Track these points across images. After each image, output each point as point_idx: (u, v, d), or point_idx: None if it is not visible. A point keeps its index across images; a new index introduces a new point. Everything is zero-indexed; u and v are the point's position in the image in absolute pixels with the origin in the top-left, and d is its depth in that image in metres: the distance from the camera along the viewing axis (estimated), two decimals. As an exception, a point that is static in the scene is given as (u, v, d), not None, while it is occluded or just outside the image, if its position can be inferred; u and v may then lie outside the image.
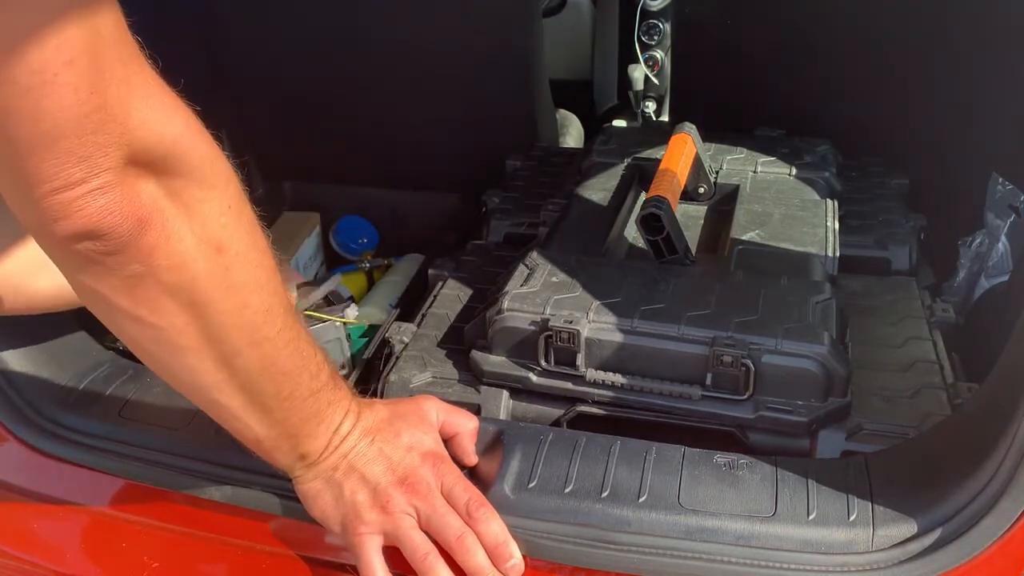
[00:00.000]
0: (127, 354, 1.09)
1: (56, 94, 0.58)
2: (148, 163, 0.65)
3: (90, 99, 0.60)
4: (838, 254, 1.21)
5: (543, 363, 1.04)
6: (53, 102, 0.59)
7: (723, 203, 1.37)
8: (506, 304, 1.06)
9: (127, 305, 0.70)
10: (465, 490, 0.85)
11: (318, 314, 1.45)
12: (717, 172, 1.41)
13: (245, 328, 0.74)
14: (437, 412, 0.92)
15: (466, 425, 0.93)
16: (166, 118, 0.66)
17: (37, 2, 0.56)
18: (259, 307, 0.75)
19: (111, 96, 0.61)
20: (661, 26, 2.44)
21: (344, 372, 1.39)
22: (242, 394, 0.77)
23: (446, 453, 0.90)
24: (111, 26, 0.61)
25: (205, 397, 0.78)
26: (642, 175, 1.44)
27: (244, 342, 0.75)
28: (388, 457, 0.85)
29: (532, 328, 1.04)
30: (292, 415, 0.81)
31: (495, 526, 0.84)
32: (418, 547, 0.82)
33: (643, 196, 1.23)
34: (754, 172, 1.41)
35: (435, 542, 0.83)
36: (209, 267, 0.70)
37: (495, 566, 0.82)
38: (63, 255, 0.67)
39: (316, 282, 1.67)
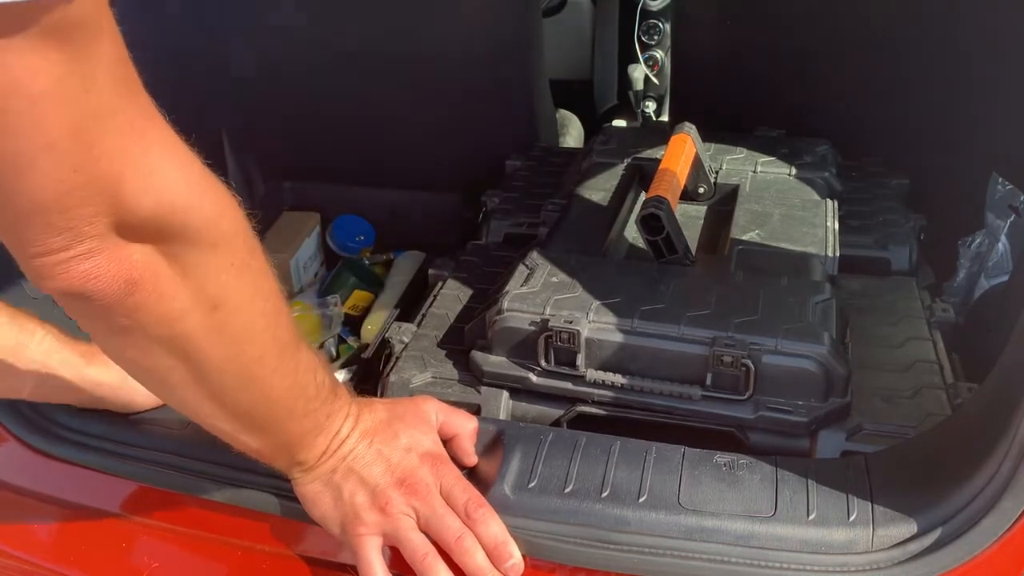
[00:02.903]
0: None
1: (33, 177, 0.55)
2: (141, 229, 0.62)
3: (72, 178, 0.56)
4: (838, 254, 1.21)
5: (543, 363, 1.04)
6: (30, 183, 0.55)
7: (723, 203, 1.37)
8: (506, 304, 1.06)
9: (118, 346, 0.70)
10: (464, 491, 0.85)
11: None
12: (717, 172, 1.41)
13: (237, 374, 0.74)
14: (436, 413, 0.91)
15: (465, 425, 0.93)
16: (165, 184, 0.62)
17: (14, 84, 0.51)
18: (253, 354, 0.74)
19: (100, 170, 0.57)
20: (661, 26, 2.45)
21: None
22: (236, 421, 0.78)
23: (445, 454, 0.90)
24: (107, 94, 0.56)
25: (200, 421, 0.79)
26: (642, 175, 1.44)
27: (235, 385, 0.74)
28: (387, 458, 0.85)
29: (532, 328, 1.04)
30: (289, 432, 0.81)
31: (494, 526, 0.83)
32: (417, 548, 0.82)
33: (643, 196, 1.23)
34: (754, 172, 1.41)
35: (435, 543, 0.83)
36: (203, 322, 0.68)
37: (495, 566, 0.82)
38: (57, 301, 0.64)
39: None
